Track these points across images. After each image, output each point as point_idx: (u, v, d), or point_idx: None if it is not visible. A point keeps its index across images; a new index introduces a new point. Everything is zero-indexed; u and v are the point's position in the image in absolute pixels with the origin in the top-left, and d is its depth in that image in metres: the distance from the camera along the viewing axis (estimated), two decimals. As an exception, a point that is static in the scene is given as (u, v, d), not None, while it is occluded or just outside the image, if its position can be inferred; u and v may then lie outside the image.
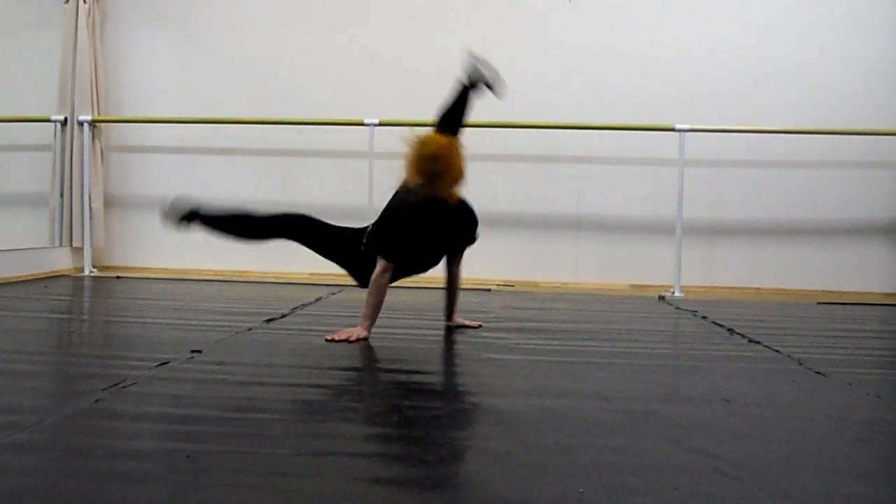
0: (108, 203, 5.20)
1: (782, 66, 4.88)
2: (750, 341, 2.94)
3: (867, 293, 4.78)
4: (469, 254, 5.13)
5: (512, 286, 4.81)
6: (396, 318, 3.36)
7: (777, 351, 2.74)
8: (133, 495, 1.28)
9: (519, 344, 2.78)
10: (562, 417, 1.82)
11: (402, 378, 2.26)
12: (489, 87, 3.06)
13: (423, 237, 2.79)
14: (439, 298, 4.12)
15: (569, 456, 1.54)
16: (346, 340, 2.67)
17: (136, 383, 2.00)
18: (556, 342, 2.84)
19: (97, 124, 5.01)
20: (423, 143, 2.80)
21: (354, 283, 2.97)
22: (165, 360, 2.29)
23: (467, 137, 4.98)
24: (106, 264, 5.20)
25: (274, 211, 3.08)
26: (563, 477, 1.41)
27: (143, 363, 2.25)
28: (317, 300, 3.87)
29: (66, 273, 4.85)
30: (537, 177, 5.04)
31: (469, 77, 3.04)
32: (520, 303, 4.05)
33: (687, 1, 4.99)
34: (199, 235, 5.19)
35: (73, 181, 4.94)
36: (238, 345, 2.64)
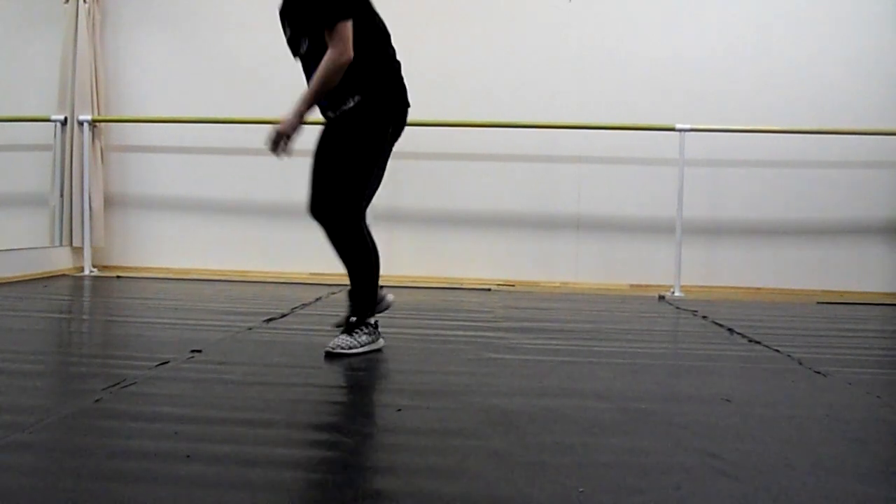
0: (109, 203, 5.20)
1: (782, 65, 4.88)
2: (750, 341, 2.94)
3: (867, 293, 4.79)
4: (470, 253, 5.17)
5: (512, 286, 4.81)
6: (395, 318, 3.36)
7: (777, 351, 2.75)
8: (133, 495, 1.28)
9: (519, 343, 2.78)
10: (562, 417, 1.82)
11: (402, 377, 2.26)
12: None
13: None
14: (439, 298, 4.13)
15: (569, 455, 1.54)
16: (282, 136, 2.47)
17: (135, 383, 2.01)
18: (556, 342, 2.84)
19: (97, 124, 5.02)
20: None
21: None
22: (165, 360, 2.29)
23: (468, 138, 5.01)
24: (106, 264, 5.20)
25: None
26: (564, 476, 1.41)
27: (143, 363, 2.25)
28: (316, 300, 3.87)
29: (66, 273, 4.85)
30: (537, 177, 5.04)
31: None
32: (520, 302, 4.05)
33: (687, 1, 4.99)
34: (199, 234, 5.23)
35: (73, 181, 4.94)
36: (238, 344, 2.64)
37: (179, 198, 5.25)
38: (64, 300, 3.81)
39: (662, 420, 1.81)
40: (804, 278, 4.91)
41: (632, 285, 4.91)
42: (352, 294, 2.61)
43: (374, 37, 2.48)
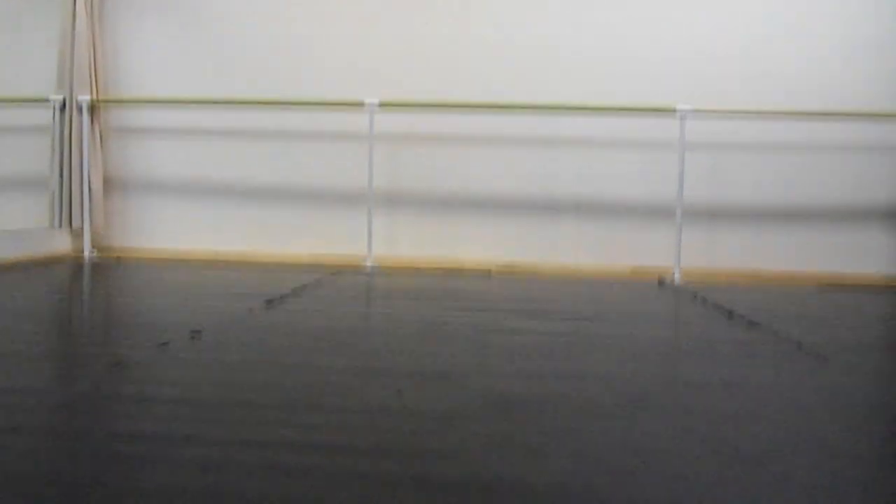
0: (108, 185, 5.19)
1: (784, 48, 4.85)
2: (750, 325, 2.94)
3: (868, 277, 4.79)
4: (470, 236, 5.17)
5: (512, 269, 4.81)
6: (396, 301, 3.36)
7: (777, 334, 2.75)
8: (132, 476, 1.28)
9: (519, 327, 2.78)
10: (562, 400, 1.82)
11: (402, 360, 2.26)
12: None
13: None
14: (439, 281, 4.13)
15: (568, 439, 1.54)
16: None
17: (135, 365, 2.01)
18: (555, 325, 2.84)
19: (96, 105, 5.00)
20: None
21: None
22: (165, 342, 2.29)
23: (467, 121, 5.00)
24: (106, 246, 5.20)
25: None
26: (563, 460, 1.41)
27: (142, 345, 2.25)
28: (317, 282, 3.86)
29: (66, 255, 4.84)
30: (537, 160, 5.03)
31: None
32: (520, 286, 4.05)
33: (690, -18, 4.96)
34: (199, 216, 5.22)
35: (73, 163, 4.93)
36: (238, 326, 2.64)
37: (179, 179, 5.24)
38: (63, 282, 3.80)
39: (662, 404, 1.82)
40: (805, 262, 4.91)
41: (632, 269, 4.91)
42: None
43: None
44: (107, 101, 5.12)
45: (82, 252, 4.90)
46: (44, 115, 5.01)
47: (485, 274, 4.53)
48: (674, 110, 4.56)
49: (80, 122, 4.89)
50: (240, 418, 1.63)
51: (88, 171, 4.91)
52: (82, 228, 4.93)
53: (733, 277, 4.74)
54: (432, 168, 5.08)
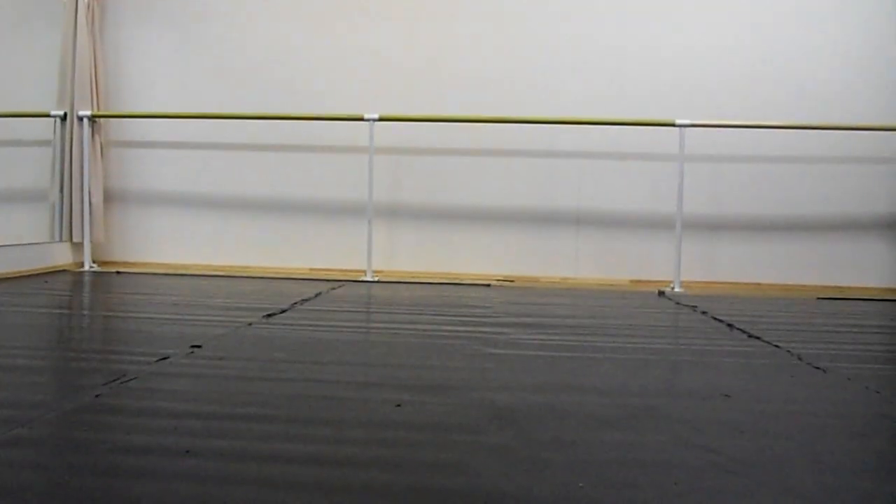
0: (108, 198, 5.20)
1: (782, 60, 4.87)
2: (750, 336, 2.94)
3: (867, 288, 4.79)
4: (470, 249, 5.17)
5: (512, 281, 4.81)
6: (395, 314, 3.36)
7: (777, 346, 2.74)
8: (132, 490, 1.28)
9: (519, 339, 2.78)
10: (561, 412, 1.82)
11: (402, 373, 2.26)
12: None
13: None
14: (439, 293, 4.13)
15: (569, 451, 1.54)
16: None
17: (135, 378, 2.00)
18: (555, 337, 2.84)
19: (97, 119, 5.02)
20: None
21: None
22: (165, 356, 2.29)
23: (467, 134, 5.01)
24: (106, 259, 5.20)
25: None
26: (563, 472, 1.41)
27: (143, 358, 2.25)
28: (316, 295, 3.86)
29: (66, 268, 4.85)
30: (537, 172, 5.04)
31: None
32: (520, 298, 4.05)
33: (687, -4, 4.99)
34: (199, 229, 5.22)
35: (73, 176, 4.94)
36: (238, 340, 2.64)
37: (179, 193, 5.25)
38: (64, 296, 3.80)
39: (662, 415, 1.81)
40: (804, 274, 4.91)
41: (632, 281, 4.91)
42: None
43: None
44: (107, 116, 5.14)
45: (83, 265, 4.90)
46: (45, 129, 5.03)
47: (484, 286, 4.53)
48: (673, 124, 4.58)
49: (81, 136, 4.91)
50: (239, 431, 1.63)
51: (89, 185, 4.92)
52: (83, 242, 4.93)
53: (733, 289, 4.74)
54: (432, 181, 5.09)
